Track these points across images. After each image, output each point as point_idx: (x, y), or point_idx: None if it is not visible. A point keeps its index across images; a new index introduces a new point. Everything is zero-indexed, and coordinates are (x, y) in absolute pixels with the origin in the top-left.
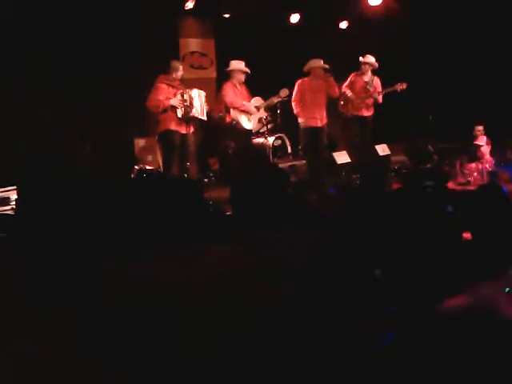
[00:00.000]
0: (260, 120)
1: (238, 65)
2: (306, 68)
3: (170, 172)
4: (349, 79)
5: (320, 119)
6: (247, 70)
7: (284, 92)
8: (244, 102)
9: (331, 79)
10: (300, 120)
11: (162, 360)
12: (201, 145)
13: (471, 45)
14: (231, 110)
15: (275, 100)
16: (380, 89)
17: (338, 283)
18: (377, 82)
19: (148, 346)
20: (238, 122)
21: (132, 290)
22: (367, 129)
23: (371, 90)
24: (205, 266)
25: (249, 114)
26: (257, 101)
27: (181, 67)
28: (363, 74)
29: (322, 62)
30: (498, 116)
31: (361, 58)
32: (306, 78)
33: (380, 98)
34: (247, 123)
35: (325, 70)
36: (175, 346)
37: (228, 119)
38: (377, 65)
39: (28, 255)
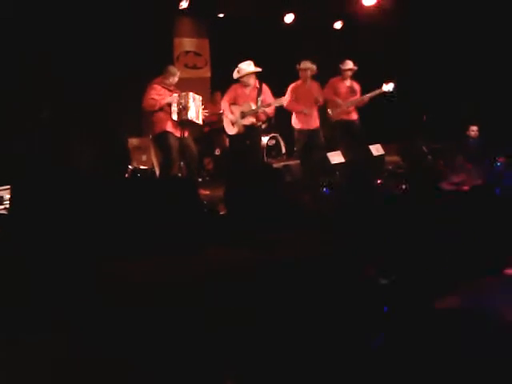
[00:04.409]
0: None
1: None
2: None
3: (169, 174)
4: (329, 85)
5: (314, 120)
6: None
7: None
8: (226, 109)
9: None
10: (295, 122)
11: (161, 360)
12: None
13: (466, 44)
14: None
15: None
16: (359, 93)
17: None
18: (356, 86)
19: (148, 346)
20: (223, 126)
21: (128, 289)
22: (357, 130)
23: (355, 94)
24: (199, 265)
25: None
26: (246, 106)
27: (178, 73)
28: (344, 79)
29: (308, 63)
30: (492, 116)
31: (342, 65)
32: (298, 81)
33: (366, 100)
34: (230, 128)
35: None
36: (175, 346)
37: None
38: (356, 68)
39: (23, 255)
